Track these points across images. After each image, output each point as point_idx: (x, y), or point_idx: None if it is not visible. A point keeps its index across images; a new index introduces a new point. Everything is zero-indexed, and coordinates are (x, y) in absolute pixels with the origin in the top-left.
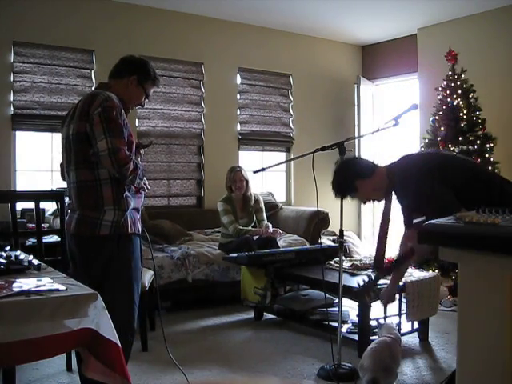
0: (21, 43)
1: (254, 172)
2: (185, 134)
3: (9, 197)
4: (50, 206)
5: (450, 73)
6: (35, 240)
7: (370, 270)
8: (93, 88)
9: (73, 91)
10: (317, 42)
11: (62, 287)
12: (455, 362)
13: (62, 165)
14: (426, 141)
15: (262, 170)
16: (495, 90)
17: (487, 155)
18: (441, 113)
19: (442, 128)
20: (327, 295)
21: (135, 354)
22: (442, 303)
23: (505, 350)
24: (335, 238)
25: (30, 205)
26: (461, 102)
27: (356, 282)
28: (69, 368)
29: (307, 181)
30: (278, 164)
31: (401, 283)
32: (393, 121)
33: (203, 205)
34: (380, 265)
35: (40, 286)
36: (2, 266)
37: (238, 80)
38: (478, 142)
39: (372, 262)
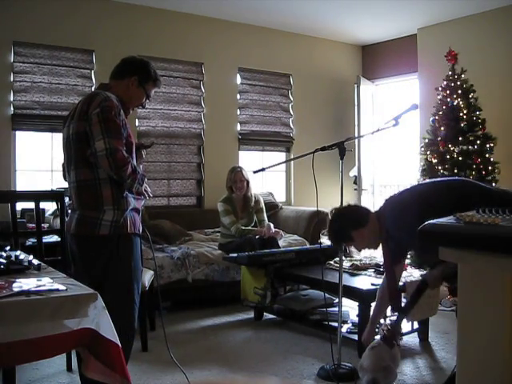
0: (21, 43)
1: (254, 172)
2: (185, 134)
3: (9, 197)
4: (50, 206)
5: (450, 73)
6: (35, 240)
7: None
8: (93, 88)
9: (73, 91)
10: (317, 42)
11: (62, 287)
12: (455, 362)
13: (63, 165)
14: (426, 141)
15: (262, 170)
16: (495, 90)
17: (487, 155)
18: (441, 113)
19: (442, 128)
20: (327, 295)
21: (135, 353)
22: (441, 303)
23: (505, 350)
24: None
25: (30, 205)
26: (461, 102)
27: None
28: (69, 368)
29: (307, 181)
30: (278, 164)
31: (401, 283)
32: (393, 121)
33: (203, 205)
34: (398, 305)
35: (40, 285)
36: (2, 266)
37: (238, 80)
38: (478, 142)
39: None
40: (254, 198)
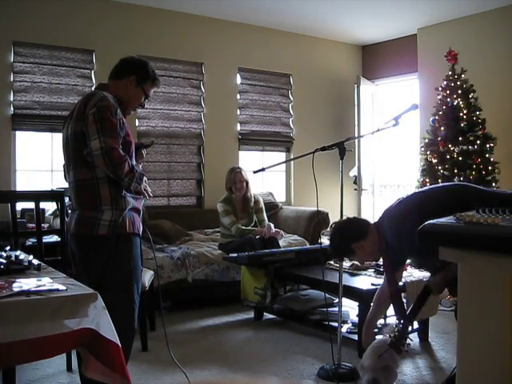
0: (21, 43)
1: (254, 172)
2: (185, 134)
3: (9, 197)
4: (50, 206)
5: (450, 73)
6: (35, 240)
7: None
8: (93, 88)
9: (73, 91)
10: (317, 42)
11: (62, 287)
12: (455, 362)
13: (64, 166)
14: (426, 141)
15: (262, 170)
16: (495, 90)
17: (487, 155)
18: (441, 113)
19: (442, 128)
20: (327, 295)
21: (135, 353)
22: (441, 303)
23: (505, 350)
24: None
25: (30, 205)
26: (461, 102)
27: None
28: (69, 368)
29: (307, 181)
30: (278, 164)
31: (401, 283)
32: (393, 121)
33: (203, 205)
34: (403, 312)
35: (40, 285)
36: (2, 266)
37: (238, 80)
38: (478, 142)
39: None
40: (253, 199)
